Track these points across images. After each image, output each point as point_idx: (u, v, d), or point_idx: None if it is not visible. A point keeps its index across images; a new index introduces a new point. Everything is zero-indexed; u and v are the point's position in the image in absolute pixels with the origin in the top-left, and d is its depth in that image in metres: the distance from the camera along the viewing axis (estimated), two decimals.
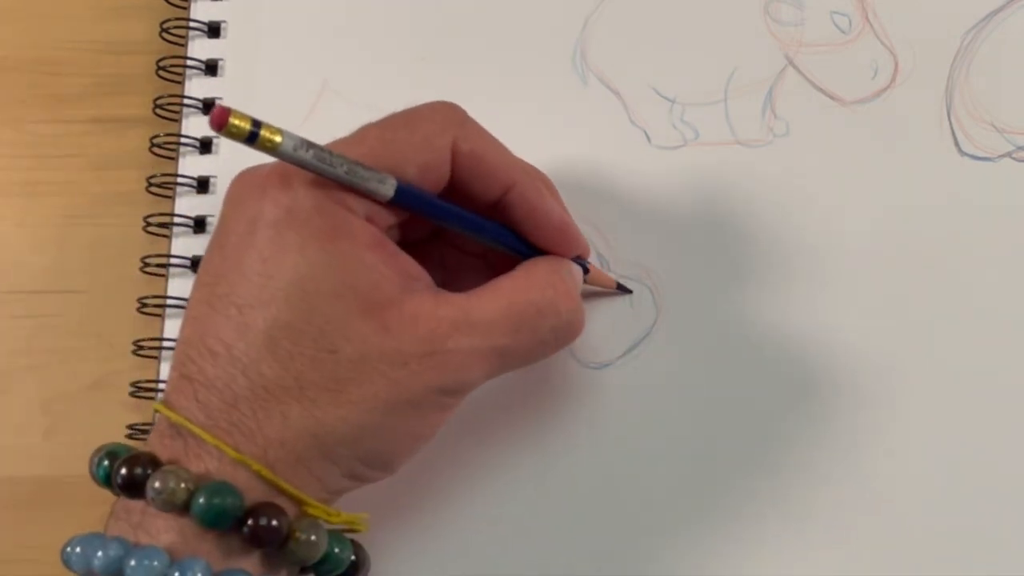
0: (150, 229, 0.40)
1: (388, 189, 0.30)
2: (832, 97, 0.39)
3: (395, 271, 0.30)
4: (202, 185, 0.40)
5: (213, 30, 0.42)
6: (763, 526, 0.35)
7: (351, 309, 0.29)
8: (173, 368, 0.30)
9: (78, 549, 0.28)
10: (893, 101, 0.39)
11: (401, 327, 0.29)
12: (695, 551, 0.35)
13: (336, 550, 0.30)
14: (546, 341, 0.32)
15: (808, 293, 0.37)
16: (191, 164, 0.41)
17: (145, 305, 0.39)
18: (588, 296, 0.37)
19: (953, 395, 0.36)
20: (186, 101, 0.41)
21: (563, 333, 0.33)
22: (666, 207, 0.39)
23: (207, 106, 0.41)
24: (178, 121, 0.42)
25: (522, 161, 0.34)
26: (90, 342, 0.40)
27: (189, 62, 0.42)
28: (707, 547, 0.35)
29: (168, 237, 0.40)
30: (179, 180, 0.41)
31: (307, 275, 0.29)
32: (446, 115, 0.32)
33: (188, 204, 0.40)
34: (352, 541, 0.31)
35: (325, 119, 0.40)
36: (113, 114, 0.43)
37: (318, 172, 0.29)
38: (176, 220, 0.40)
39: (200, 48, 0.42)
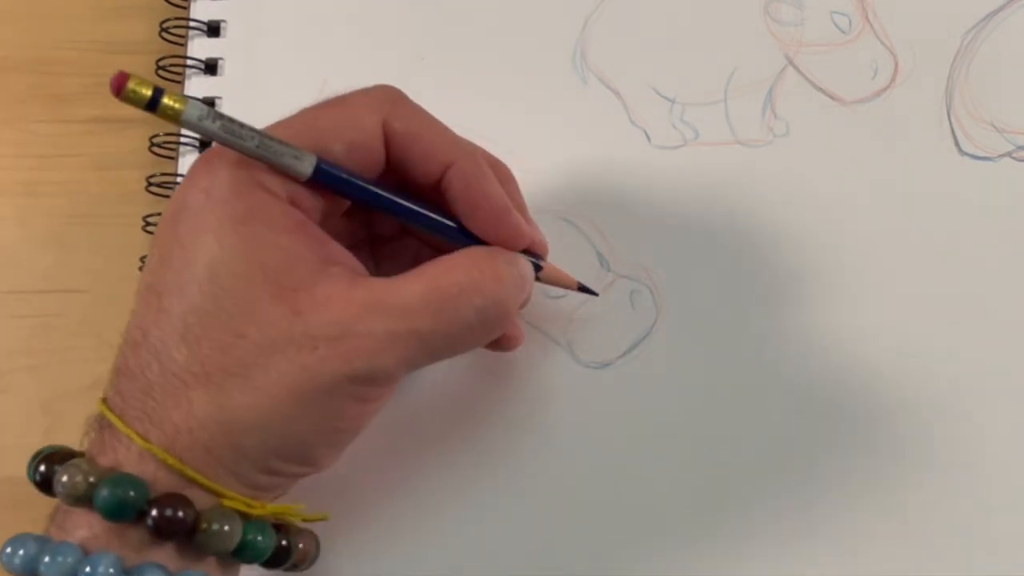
0: (150, 229, 0.40)
1: (306, 166, 0.29)
2: (832, 97, 0.39)
3: (313, 255, 0.29)
4: None
5: (213, 30, 0.42)
6: (763, 525, 0.35)
7: (261, 292, 0.28)
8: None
9: (8, 549, 0.28)
10: (893, 101, 0.39)
11: (312, 310, 0.28)
12: (695, 550, 0.35)
13: (256, 538, 0.29)
14: (470, 324, 0.30)
15: (808, 293, 0.37)
16: (191, 164, 0.41)
17: None
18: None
19: (953, 395, 0.36)
20: None
21: (490, 316, 0.31)
22: (666, 207, 0.39)
23: (207, 106, 0.41)
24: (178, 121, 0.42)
25: (467, 142, 0.32)
26: (90, 342, 0.40)
27: (189, 62, 0.42)
28: (707, 546, 0.35)
29: None
30: (179, 180, 0.41)
31: (219, 258, 0.28)
32: (379, 95, 0.31)
33: None
34: (286, 527, 0.31)
35: None
36: (113, 114, 0.43)
37: (229, 145, 0.28)
38: None
39: (200, 48, 0.42)
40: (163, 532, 0.28)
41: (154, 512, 0.27)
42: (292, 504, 0.32)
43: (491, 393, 0.37)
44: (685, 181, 0.39)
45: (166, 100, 0.27)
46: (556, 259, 0.38)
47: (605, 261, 0.38)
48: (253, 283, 0.28)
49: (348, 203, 0.31)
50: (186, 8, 0.43)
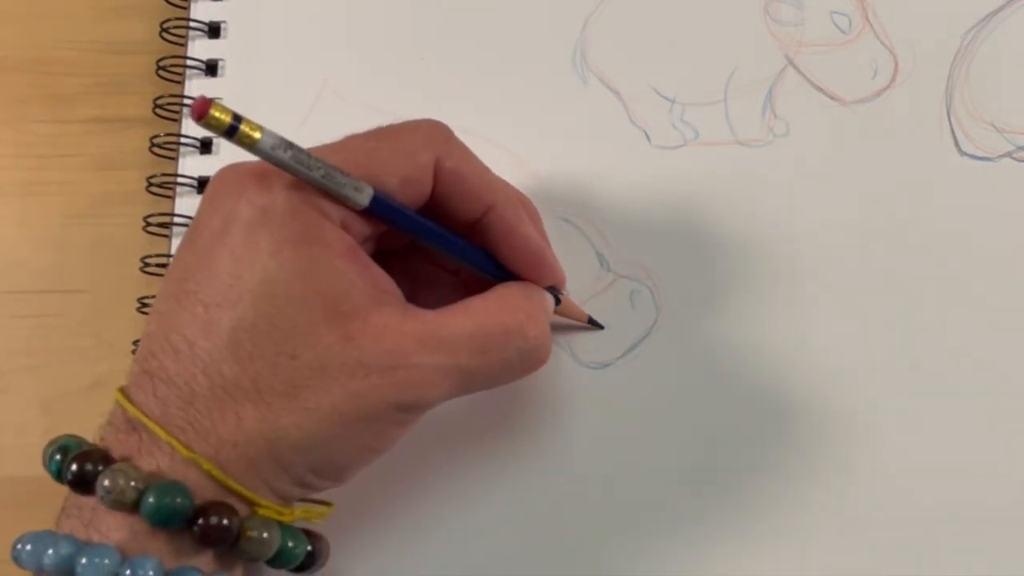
0: (150, 229, 0.40)
1: (364, 197, 0.30)
2: (832, 97, 0.39)
3: (366, 282, 0.30)
4: (202, 185, 0.40)
5: (213, 30, 0.42)
6: (762, 525, 0.35)
7: (317, 316, 0.29)
8: (136, 362, 0.30)
9: (28, 546, 0.28)
10: (893, 101, 0.39)
11: (365, 339, 0.29)
12: (695, 550, 0.35)
13: (290, 544, 0.30)
14: (512, 364, 0.32)
15: (808, 293, 0.37)
16: (191, 164, 0.41)
17: (145, 305, 0.39)
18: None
19: (953, 395, 0.36)
20: (186, 101, 0.41)
21: (529, 358, 0.32)
22: (666, 207, 0.39)
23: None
24: (178, 121, 0.42)
25: (506, 184, 0.34)
26: (90, 342, 0.40)
27: (189, 62, 0.42)
28: (707, 546, 0.35)
29: (168, 237, 0.40)
30: (179, 180, 0.41)
31: (276, 278, 0.29)
32: (431, 131, 0.32)
33: (188, 204, 0.40)
34: (309, 532, 0.31)
35: (325, 119, 0.40)
36: (113, 114, 0.43)
37: (295, 173, 0.29)
38: (176, 220, 0.40)
39: (200, 48, 0.42)
40: (209, 539, 0.28)
41: (201, 520, 0.28)
42: (315, 507, 0.32)
43: (491, 393, 0.37)
44: (685, 181, 0.39)
45: (243, 128, 0.27)
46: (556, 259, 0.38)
47: (605, 261, 0.38)
48: (309, 306, 0.29)
49: (384, 227, 0.32)
50: (186, 8, 0.43)
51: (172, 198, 0.41)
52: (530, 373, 0.33)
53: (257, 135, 0.28)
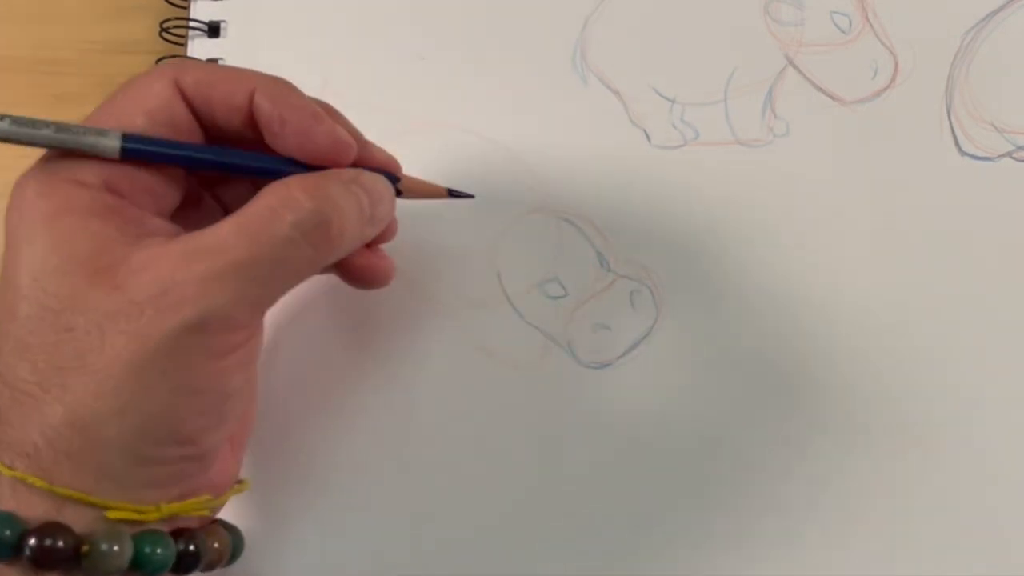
0: None
1: (112, 141, 0.29)
2: (832, 97, 0.39)
3: (126, 233, 0.28)
4: None
5: (213, 30, 0.42)
6: (763, 526, 0.35)
7: (78, 281, 0.27)
8: None
9: None
10: (893, 101, 0.39)
11: (130, 279, 0.27)
12: (695, 551, 0.35)
13: (154, 550, 0.28)
14: (292, 240, 0.29)
15: (808, 293, 0.37)
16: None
17: None
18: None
19: (954, 395, 0.36)
20: None
21: (312, 228, 0.29)
22: (666, 207, 0.39)
23: None
24: None
25: (267, 74, 0.31)
26: None
27: None
28: (707, 547, 0.35)
29: None
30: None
31: (35, 261, 0.28)
32: (161, 66, 0.31)
33: None
34: (193, 530, 0.30)
35: None
36: None
37: (29, 143, 0.28)
38: None
39: (200, 48, 0.42)
40: (43, 564, 0.26)
41: (31, 543, 0.26)
42: (196, 499, 0.30)
43: (491, 393, 0.37)
44: (685, 181, 0.39)
45: None
46: (556, 259, 0.38)
47: (605, 261, 0.38)
48: (68, 274, 0.27)
49: (167, 175, 0.31)
50: (186, 8, 0.43)
51: None
52: (332, 254, 0.30)
53: None
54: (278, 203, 0.29)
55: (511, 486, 0.36)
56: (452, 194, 0.35)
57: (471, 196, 0.36)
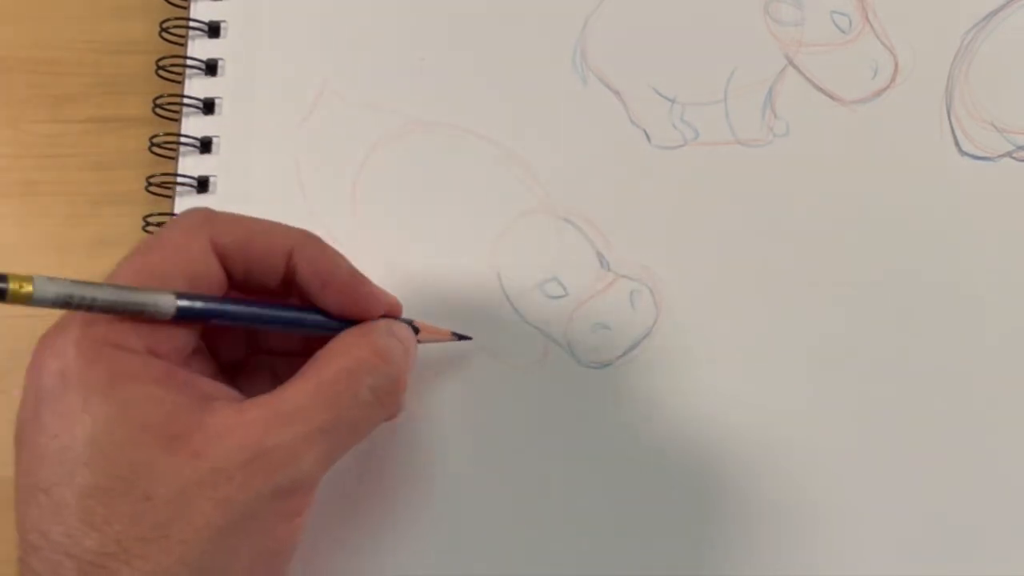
0: (150, 229, 0.40)
1: (168, 302, 0.28)
2: (832, 97, 0.39)
3: (189, 397, 0.28)
4: (202, 185, 0.40)
5: (213, 30, 0.42)
6: (763, 526, 0.35)
7: (153, 450, 0.27)
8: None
9: None
10: (893, 101, 0.39)
11: (211, 446, 0.27)
12: (695, 551, 0.35)
13: None
14: (369, 403, 0.30)
15: (807, 293, 0.37)
16: (191, 164, 0.41)
17: None
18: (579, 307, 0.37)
19: (954, 395, 0.36)
20: (186, 101, 0.41)
21: (385, 390, 0.31)
22: (666, 207, 0.39)
23: (207, 106, 0.41)
24: (178, 121, 0.42)
25: (297, 228, 0.32)
26: None
27: (189, 62, 0.42)
28: (706, 547, 0.35)
29: None
30: (179, 180, 0.41)
31: (99, 431, 0.27)
32: (193, 219, 0.31)
33: (188, 204, 0.40)
34: None
35: (325, 119, 0.40)
36: (113, 114, 0.43)
37: (89, 309, 0.27)
38: None
39: (200, 48, 0.42)
40: None
41: None
42: None
43: (491, 393, 0.37)
44: (685, 181, 0.39)
45: (12, 286, 0.26)
46: (556, 259, 0.38)
47: (605, 261, 0.38)
48: (140, 444, 0.27)
49: (198, 335, 0.31)
50: (186, 8, 0.43)
51: (172, 198, 0.41)
52: (396, 407, 0.32)
53: (28, 288, 0.26)
54: (354, 366, 0.30)
55: (511, 486, 0.36)
56: (457, 337, 0.36)
57: (469, 339, 0.37)
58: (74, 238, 0.41)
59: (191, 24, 0.42)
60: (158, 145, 0.41)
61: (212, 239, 0.30)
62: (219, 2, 0.42)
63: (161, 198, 0.41)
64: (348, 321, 0.32)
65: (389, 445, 0.37)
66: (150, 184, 0.41)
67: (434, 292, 0.38)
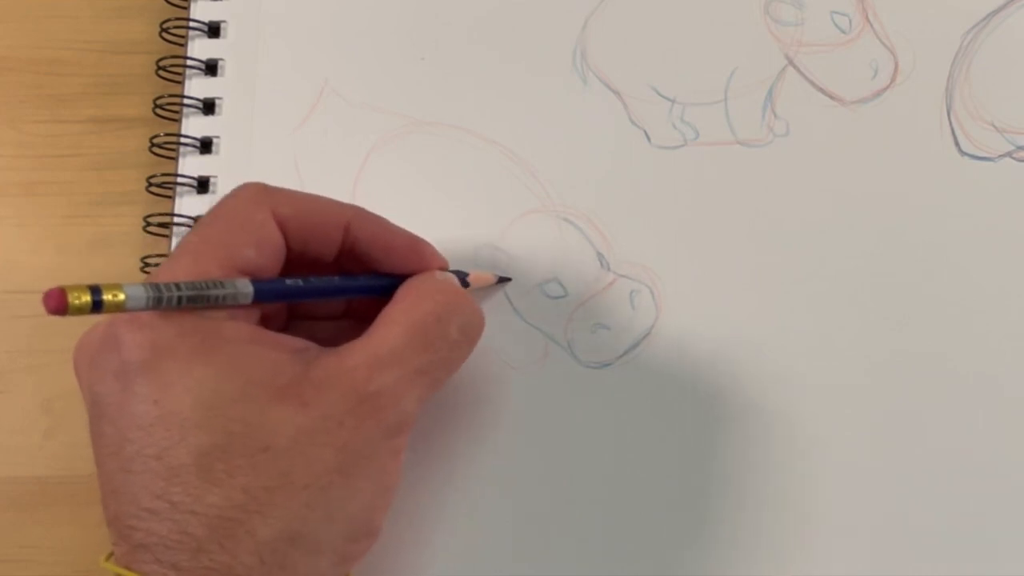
0: (150, 229, 0.40)
1: (246, 289, 0.29)
2: (832, 97, 0.39)
3: (284, 352, 0.29)
4: (202, 185, 0.40)
5: (213, 30, 0.42)
6: (763, 525, 0.35)
7: (262, 403, 0.28)
8: (118, 544, 0.28)
9: None
10: (893, 101, 0.39)
11: (319, 395, 0.29)
12: (695, 550, 0.35)
13: None
14: (459, 342, 0.32)
15: (807, 292, 0.37)
16: (191, 164, 0.41)
17: None
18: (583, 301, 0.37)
19: (954, 395, 0.36)
20: (186, 101, 0.41)
21: (471, 328, 0.32)
22: (666, 207, 0.39)
23: (207, 106, 0.41)
24: (178, 121, 0.42)
25: (349, 203, 0.33)
26: None
27: (189, 62, 0.42)
28: (706, 546, 0.35)
29: (168, 237, 0.40)
30: (179, 180, 0.41)
31: (206, 392, 0.28)
32: (251, 192, 0.32)
33: (188, 204, 0.40)
34: None
35: (325, 119, 0.40)
36: (113, 114, 0.43)
37: (177, 306, 0.28)
38: (176, 220, 0.40)
39: (200, 48, 0.42)
40: None
41: None
42: None
43: (491, 393, 0.37)
44: (685, 181, 0.39)
45: (107, 297, 0.26)
46: (556, 259, 0.38)
47: (605, 261, 0.38)
48: (251, 399, 0.28)
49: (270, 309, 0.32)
50: (186, 8, 0.43)
51: (172, 198, 0.41)
52: (478, 340, 0.33)
53: (121, 296, 0.27)
54: (440, 309, 0.31)
55: (511, 486, 0.36)
56: (500, 280, 0.38)
57: (509, 279, 0.38)
58: (74, 238, 0.41)
59: (191, 24, 0.42)
60: (158, 145, 0.41)
61: (273, 209, 0.31)
62: (219, 2, 0.42)
63: (161, 198, 0.41)
64: (401, 278, 0.33)
65: None
66: (150, 184, 0.41)
67: None
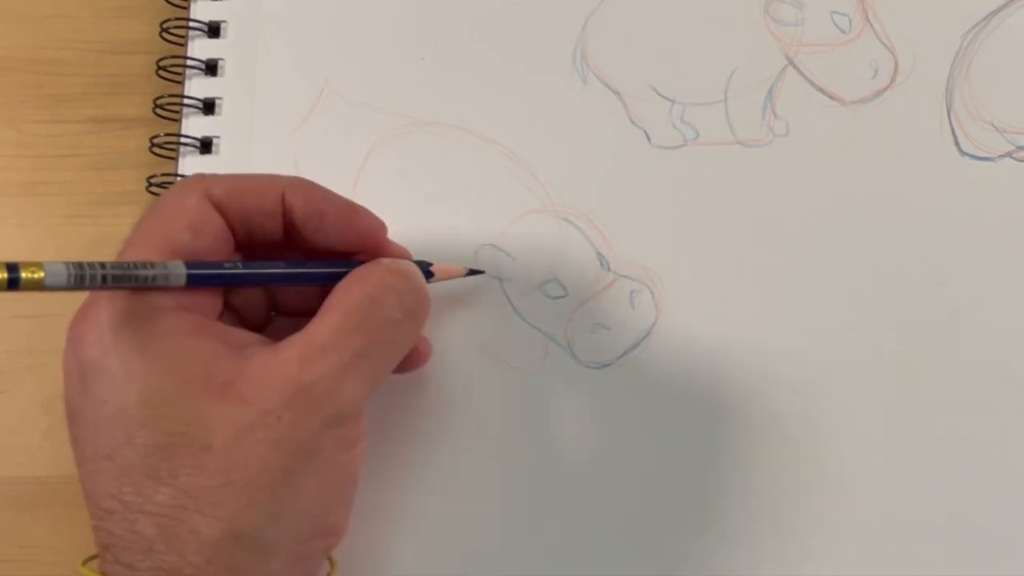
0: None
1: (178, 271, 0.29)
2: (832, 97, 0.39)
3: (225, 346, 0.29)
4: None
5: (213, 30, 0.42)
6: (763, 525, 0.35)
7: (202, 401, 0.28)
8: (96, 544, 0.29)
9: None
10: (893, 101, 0.39)
11: (255, 389, 0.28)
12: (695, 550, 0.35)
13: None
14: (398, 321, 0.31)
15: (808, 292, 0.37)
16: (191, 164, 0.41)
17: None
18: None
19: (955, 394, 0.36)
20: (186, 101, 0.41)
21: (412, 306, 0.31)
22: (666, 207, 0.39)
23: (207, 106, 0.41)
24: (178, 121, 0.42)
25: (287, 175, 0.33)
26: None
27: (189, 62, 0.42)
28: (707, 546, 0.35)
29: None
30: (179, 180, 0.41)
31: (146, 389, 0.28)
32: (184, 181, 0.32)
33: None
34: None
35: (325, 119, 0.40)
36: (113, 114, 0.43)
37: (103, 286, 0.28)
38: None
39: (200, 48, 0.42)
40: None
41: None
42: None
43: (491, 393, 0.37)
44: (685, 181, 0.39)
45: (24, 275, 0.26)
46: (556, 259, 0.38)
47: (605, 261, 0.38)
48: (189, 396, 0.28)
49: (223, 295, 0.32)
50: (186, 8, 0.43)
51: None
52: (423, 323, 0.32)
53: (40, 274, 0.26)
54: (374, 289, 0.30)
55: (510, 486, 0.36)
56: (471, 272, 0.37)
57: (482, 272, 0.37)
58: (74, 238, 0.41)
59: (191, 24, 0.42)
60: (158, 145, 0.41)
61: (206, 191, 0.31)
62: (219, 2, 0.42)
63: None
64: (355, 265, 0.32)
65: (389, 444, 0.37)
66: (150, 184, 0.41)
67: (434, 292, 0.38)
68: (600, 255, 0.38)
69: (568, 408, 0.37)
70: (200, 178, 0.32)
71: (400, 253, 0.34)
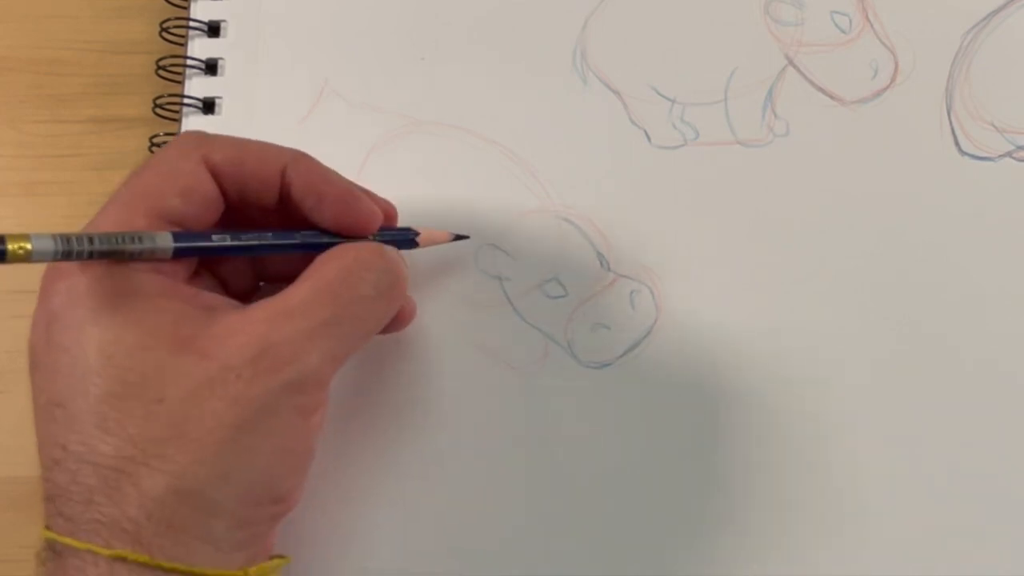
0: None
1: (165, 243, 0.29)
2: (832, 97, 0.39)
3: (194, 307, 0.29)
4: None
5: (213, 30, 0.42)
6: (764, 525, 0.35)
7: (161, 353, 0.28)
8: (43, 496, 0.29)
9: None
10: (893, 101, 0.39)
11: (219, 346, 0.28)
12: (695, 550, 0.35)
13: None
14: (371, 297, 0.31)
15: (808, 292, 0.37)
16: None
17: None
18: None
19: (955, 394, 0.36)
20: (186, 101, 0.41)
21: (386, 285, 0.31)
22: (666, 207, 0.39)
23: (207, 106, 0.41)
24: (178, 121, 0.42)
25: (291, 148, 0.32)
26: None
27: (189, 62, 0.42)
28: (707, 546, 0.35)
29: None
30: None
31: (107, 340, 0.28)
32: (185, 139, 0.31)
33: None
34: None
35: (325, 119, 0.40)
36: (113, 114, 0.43)
37: (89, 257, 0.28)
38: None
39: (200, 48, 0.42)
40: None
41: None
42: (274, 560, 0.31)
43: (491, 393, 0.37)
44: (685, 181, 0.39)
45: (11, 247, 0.26)
46: (556, 259, 0.38)
47: (605, 261, 0.38)
48: (150, 348, 0.28)
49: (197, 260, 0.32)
50: (186, 8, 0.43)
51: None
52: (398, 303, 0.33)
53: (28, 247, 0.26)
54: (351, 264, 0.31)
55: (510, 486, 0.36)
56: (457, 237, 0.37)
57: (467, 237, 0.37)
58: None
59: (191, 24, 0.42)
60: (158, 145, 0.41)
61: (205, 156, 0.30)
62: (219, 2, 0.42)
63: None
64: (346, 239, 0.32)
65: (388, 444, 0.37)
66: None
67: (434, 292, 0.38)
68: (600, 255, 0.38)
69: (568, 408, 0.37)
70: (202, 140, 0.31)
71: (377, 218, 0.33)
